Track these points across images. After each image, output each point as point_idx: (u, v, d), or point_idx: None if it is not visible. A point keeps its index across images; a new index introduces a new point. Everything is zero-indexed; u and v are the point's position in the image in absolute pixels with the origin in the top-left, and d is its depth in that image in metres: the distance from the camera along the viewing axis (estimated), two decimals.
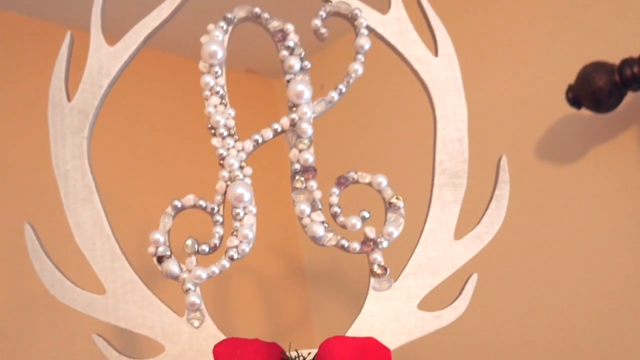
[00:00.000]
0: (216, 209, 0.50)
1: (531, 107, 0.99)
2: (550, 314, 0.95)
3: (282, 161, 1.34)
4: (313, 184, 0.51)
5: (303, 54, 0.54)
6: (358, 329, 0.49)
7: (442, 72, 0.54)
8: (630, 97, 0.84)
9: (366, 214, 0.50)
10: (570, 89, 0.84)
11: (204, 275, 0.48)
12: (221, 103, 0.52)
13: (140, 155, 1.18)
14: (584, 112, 0.86)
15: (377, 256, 0.50)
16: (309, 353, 0.46)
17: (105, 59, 0.54)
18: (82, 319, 0.99)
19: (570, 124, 0.93)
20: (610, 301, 0.89)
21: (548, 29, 1.00)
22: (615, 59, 0.81)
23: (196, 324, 0.48)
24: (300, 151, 0.51)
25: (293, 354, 0.46)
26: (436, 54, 0.55)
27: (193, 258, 0.49)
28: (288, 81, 0.53)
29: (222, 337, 0.47)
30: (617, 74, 0.79)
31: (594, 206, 0.92)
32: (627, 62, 0.80)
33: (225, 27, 0.54)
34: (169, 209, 0.50)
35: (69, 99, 0.52)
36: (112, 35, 0.55)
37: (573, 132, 0.94)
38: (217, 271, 0.49)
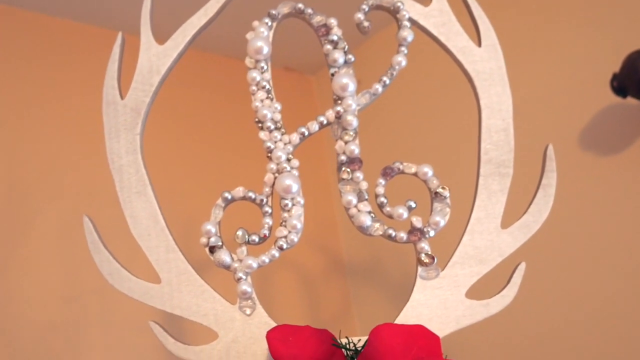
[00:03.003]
0: (265, 200, 0.51)
1: (576, 96, 0.98)
2: (598, 304, 0.93)
3: (321, 157, 1.36)
4: (359, 175, 0.52)
5: (347, 47, 0.54)
6: (406, 317, 0.49)
7: (486, 63, 0.54)
8: None
9: (412, 204, 0.51)
10: (615, 78, 0.83)
11: (254, 265, 0.50)
12: (267, 97, 0.54)
13: (190, 151, 1.23)
14: (630, 100, 0.84)
15: (424, 245, 0.50)
16: (359, 340, 0.47)
17: (155, 58, 0.55)
18: (133, 311, 1.04)
19: (616, 113, 0.91)
20: None
21: (592, 17, 0.98)
22: None
23: (248, 311, 0.50)
24: (346, 143, 0.52)
25: (344, 340, 0.47)
26: (479, 44, 0.55)
27: (244, 248, 0.50)
28: (332, 74, 0.54)
29: (273, 324, 0.49)
30: None
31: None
32: None
33: (269, 23, 0.56)
34: (220, 201, 0.51)
35: (121, 97, 0.54)
36: (160, 36, 0.56)
37: (618, 121, 0.92)
38: (267, 260, 0.50)
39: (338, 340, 0.46)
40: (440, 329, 0.49)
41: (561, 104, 0.99)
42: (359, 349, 0.46)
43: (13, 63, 1.10)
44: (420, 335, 0.46)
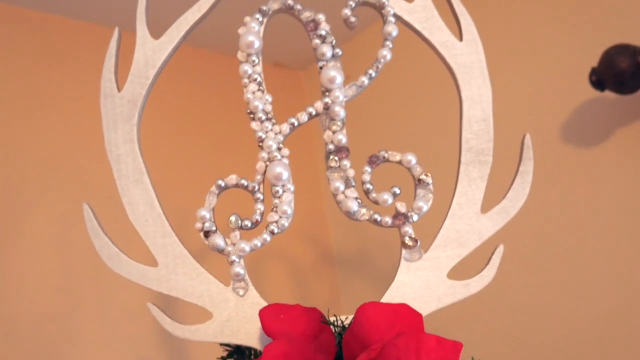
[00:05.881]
0: (257, 187, 0.54)
1: (556, 90, 1.01)
2: (573, 285, 0.97)
3: (310, 152, 1.38)
4: (346, 163, 0.54)
5: (334, 41, 0.57)
6: (391, 297, 0.52)
7: (467, 56, 0.57)
8: None
9: (397, 190, 0.53)
10: (594, 72, 0.86)
11: (247, 248, 0.52)
12: (259, 89, 0.56)
13: (185, 141, 1.27)
14: (608, 94, 0.87)
15: (408, 229, 0.53)
16: (346, 318, 0.50)
17: (151, 52, 0.58)
18: (127, 300, 1.06)
19: (594, 106, 0.95)
20: (631, 277, 0.91)
21: (571, 13, 1.01)
22: (637, 40, 0.83)
23: (241, 292, 0.52)
24: (333, 132, 0.55)
25: (332, 318, 0.49)
26: (461, 39, 0.58)
27: (237, 232, 0.53)
28: (321, 67, 0.56)
29: (265, 304, 0.51)
30: None
31: (618, 187, 0.94)
32: None
33: (260, 19, 0.58)
34: (214, 188, 0.54)
35: (118, 90, 0.57)
36: (155, 31, 0.59)
37: (597, 114, 0.95)
38: (259, 244, 0.53)
39: (326, 318, 0.49)
40: (423, 308, 0.51)
41: (542, 97, 1.03)
42: (346, 325, 0.48)
43: (10, 58, 1.12)
44: (404, 313, 0.48)
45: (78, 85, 1.16)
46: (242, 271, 0.52)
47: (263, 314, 0.47)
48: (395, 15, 0.57)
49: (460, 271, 0.53)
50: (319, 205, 1.40)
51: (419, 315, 0.49)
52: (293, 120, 0.56)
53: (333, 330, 0.48)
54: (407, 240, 0.53)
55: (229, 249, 0.53)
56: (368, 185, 0.54)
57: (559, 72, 1.00)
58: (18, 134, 1.09)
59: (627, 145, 0.93)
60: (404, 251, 0.53)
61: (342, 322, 0.49)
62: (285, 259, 1.29)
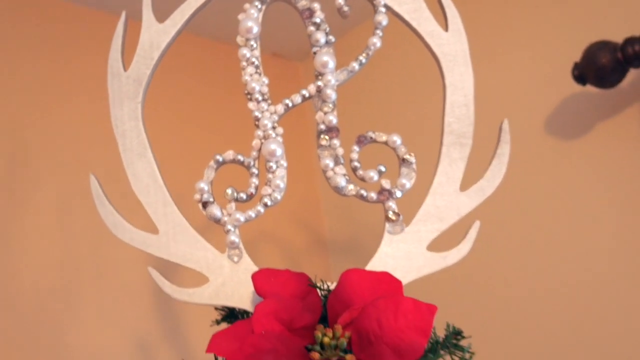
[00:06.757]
0: (252, 162, 0.58)
1: (540, 83, 1.05)
2: (546, 264, 1.02)
3: (303, 140, 1.43)
4: (336, 142, 0.58)
5: (328, 29, 0.61)
6: (374, 266, 0.56)
7: (452, 46, 0.61)
8: (632, 74, 0.89)
9: (382, 168, 0.57)
10: (576, 67, 0.90)
11: (242, 218, 0.56)
12: (256, 72, 0.60)
13: (186, 119, 1.32)
14: (589, 88, 0.92)
15: (392, 204, 0.57)
16: (332, 283, 0.54)
17: (156, 35, 0.61)
18: (125, 275, 1.10)
19: (576, 99, 0.99)
20: (605, 263, 0.95)
21: (557, 11, 1.05)
22: (618, 38, 0.87)
23: (235, 259, 0.56)
24: (325, 114, 0.59)
25: (318, 283, 0.54)
26: (446, 29, 0.61)
27: (233, 204, 0.57)
28: (314, 53, 0.60)
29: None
30: (620, 52, 0.85)
31: (598, 176, 0.98)
32: (629, 41, 0.85)
33: (259, 6, 0.62)
34: (212, 163, 0.58)
35: (125, 69, 0.60)
36: (160, 15, 0.63)
37: (579, 107, 1.00)
38: (253, 215, 0.57)
39: (313, 282, 0.53)
40: (404, 277, 0.55)
41: (527, 90, 1.07)
42: (331, 289, 0.53)
43: (16, 40, 1.16)
44: (385, 280, 0.52)
45: (85, 68, 1.20)
46: (236, 239, 0.56)
47: (256, 277, 0.52)
48: (385, 6, 0.61)
49: (439, 244, 0.57)
50: (314, 192, 1.44)
51: (399, 282, 0.53)
52: (287, 101, 0.59)
53: (319, 293, 0.53)
54: (390, 214, 0.57)
55: (225, 219, 0.57)
56: (356, 163, 0.58)
57: (543, 66, 1.05)
58: (22, 113, 1.12)
59: (607, 136, 0.97)
60: (387, 225, 0.57)
61: (328, 286, 0.53)
62: (278, 242, 1.33)
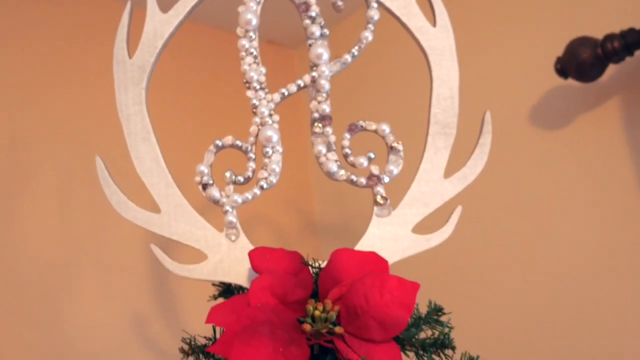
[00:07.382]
0: (249, 148, 0.62)
1: (523, 76, 1.09)
2: (525, 247, 1.07)
3: (298, 127, 1.46)
4: (329, 129, 0.62)
5: (323, 22, 0.64)
6: (362, 246, 0.60)
7: (439, 40, 0.65)
8: (612, 69, 0.94)
9: (372, 155, 0.61)
10: (558, 61, 0.94)
11: (239, 200, 0.60)
12: (254, 62, 0.63)
13: (188, 106, 1.37)
14: (571, 82, 0.96)
15: (380, 189, 0.61)
16: (323, 262, 0.58)
17: (159, 24, 0.65)
18: (124, 253, 1.13)
19: (558, 92, 1.03)
20: (589, 253, 1.00)
21: (539, 7, 1.09)
22: (599, 34, 0.91)
23: (233, 238, 0.60)
24: (319, 103, 0.62)
25: (310, 261, 0.58)
26: (434, 25, 0.65)
27: (231, 186, 0.61)
28: (310, 45, 0.64)
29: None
30: (600, 48, 0.89)
31: (579, 166, 1.03)
32: (609, 37, 0.89)
33: None
34: (212, 147, 0.61)
35: (129, 57, 0.64)
36: (163, 6, 0.66)
37: (560, 100, 1.04)
38: (250, 197, 0.60)
39: (306, 260, 0.57)
40: (390, 257, 0.59)
41: (510, 83, 1.11)
42: (322, 267, 0.57)
43: (19, 21, 1.18)
44: (372, 259, 0.57)
45: (88, 52, 1.22)
46: (234, 220, 0.60)
47: (252, 254, 0.55)
48: (377, 1, 0.65)
49: (423, 227, 0.62)
50: (306, 177, 1.48)
51: (385, 261, 0.57)
52: (283, 90, 0.63)
53: (311, 270, 0.57)
54: (378, 198, 0.61)
55: (224, 200, 0.60)
56: (347, 150, 0.62)
57: (527, 59, 1.09)
58: (24, 94, 1.15)
59: (587, 128, 1.01)
60: (375, 208, 0.61)
61: (319, 264, 0.58)
62: (272, 223, 1.37)
